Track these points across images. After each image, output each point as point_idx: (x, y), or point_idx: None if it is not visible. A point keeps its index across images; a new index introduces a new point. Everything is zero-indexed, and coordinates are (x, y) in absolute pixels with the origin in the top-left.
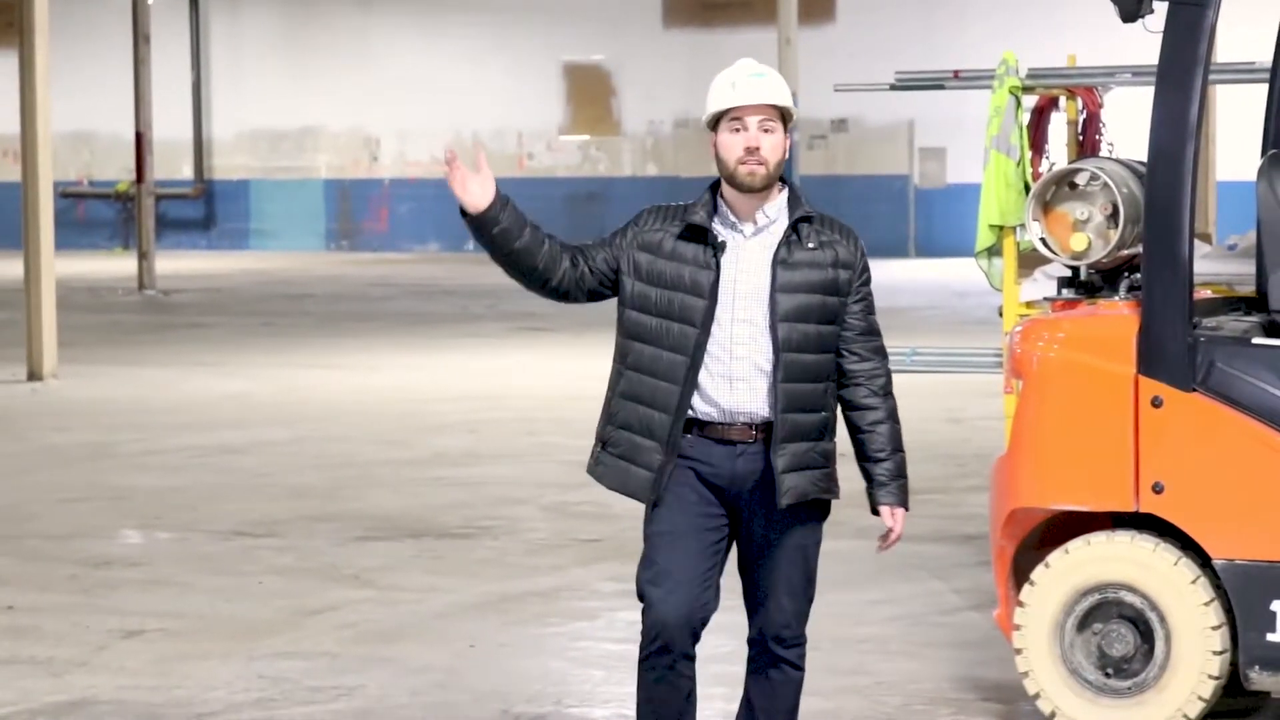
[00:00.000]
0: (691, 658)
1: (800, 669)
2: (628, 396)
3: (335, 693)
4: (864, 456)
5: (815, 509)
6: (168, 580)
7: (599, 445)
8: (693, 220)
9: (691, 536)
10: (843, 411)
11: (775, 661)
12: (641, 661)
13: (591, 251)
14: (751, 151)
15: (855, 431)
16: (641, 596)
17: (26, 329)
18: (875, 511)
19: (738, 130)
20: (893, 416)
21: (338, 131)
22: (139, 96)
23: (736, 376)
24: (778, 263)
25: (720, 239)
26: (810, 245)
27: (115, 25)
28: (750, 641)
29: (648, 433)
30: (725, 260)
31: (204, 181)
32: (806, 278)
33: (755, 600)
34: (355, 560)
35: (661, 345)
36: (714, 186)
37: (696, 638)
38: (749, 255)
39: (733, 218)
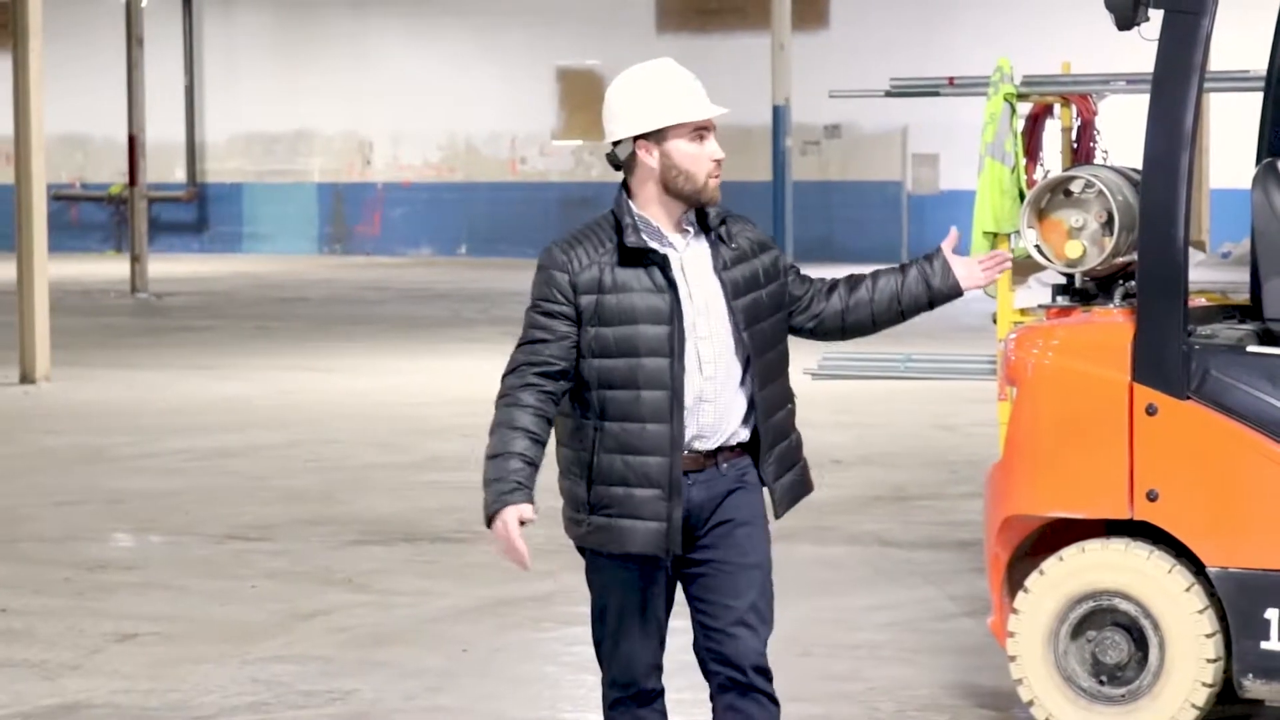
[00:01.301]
0: (662, 692)
1: (778, 703)
2: (614, 450)
3: (329, 697)
4: (893, 284)
5: (765, 526)
6: (162, 584)
7: (584, 511)
8: (630, 243)
9: (643, 576)
10: (847, 316)
11: (758, 697)
12: (610, 708)
13: (549, 359)
14: (719, 163)
15: (870, 294)
16: (599, 645)
17: (19, 332)
18: (944, 276)
19: (700, 140)
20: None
21: (331, 135)
22: (132, 99)
23: (704, 398)
24: (720, 269)
25: (666, 256)
26: (734, 244)
27: (108, 28)
28: (721, 685)
29: (646, 481)
30: (675, 278)
31: (197, 185)
32: (744, 274)
33: (723, 635)
34: (349, 564)
35: (637, 385)
36: (619, 203)
37: (661, 672)
38: (692, 268)
39: (664, 232)
